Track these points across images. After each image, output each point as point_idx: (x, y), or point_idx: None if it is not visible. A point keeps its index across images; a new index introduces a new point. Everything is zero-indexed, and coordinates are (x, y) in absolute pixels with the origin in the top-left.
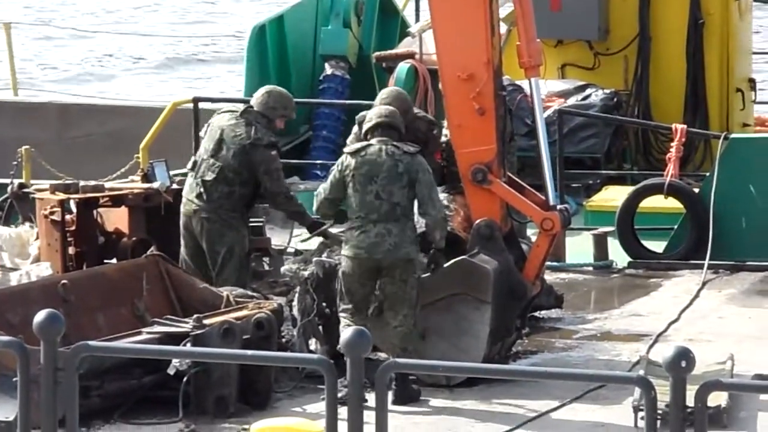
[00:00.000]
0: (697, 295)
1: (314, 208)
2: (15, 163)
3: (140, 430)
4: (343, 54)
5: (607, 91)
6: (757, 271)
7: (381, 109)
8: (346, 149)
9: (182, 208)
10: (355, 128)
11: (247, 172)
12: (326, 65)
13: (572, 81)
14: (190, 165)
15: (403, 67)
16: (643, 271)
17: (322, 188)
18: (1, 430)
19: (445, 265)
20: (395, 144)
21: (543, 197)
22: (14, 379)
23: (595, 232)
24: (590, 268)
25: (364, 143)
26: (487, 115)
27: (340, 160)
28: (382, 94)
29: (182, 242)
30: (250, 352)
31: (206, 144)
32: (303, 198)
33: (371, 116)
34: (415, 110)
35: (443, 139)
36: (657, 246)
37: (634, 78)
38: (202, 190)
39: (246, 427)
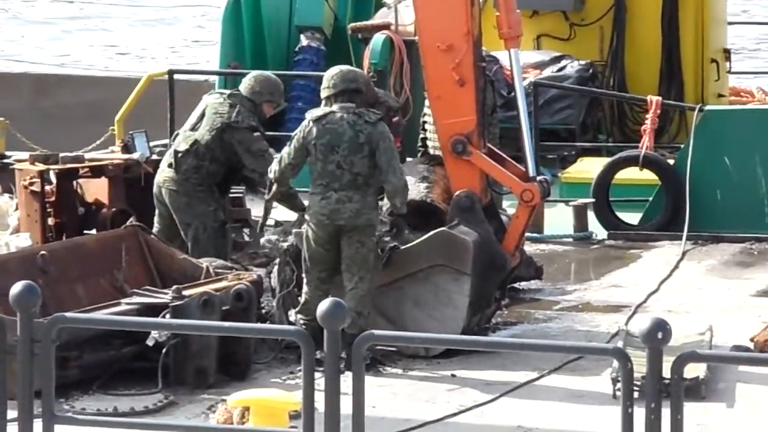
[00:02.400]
0: (676, 267)
1: (275, 171)
2: None
3: (119, 401)
4: (318, 25)
5: (583, 62)
6: (736, 242)
7: (344, 72)
8: (308, 114)
9: (156, 177)
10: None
11: (219, 149)
12: (301, 36)
13: (548, 52)
14: (173, 137)
15: (378, 38)
16: (622, 243)
17: (285, 153)
18: None
19: (425, 237)
20: (357, 112)
21: (522, 169)
22: None
23: (574, 203)
24: (570, 240)
25: (327, 110)
26: (466, 86)
27: (302, 126)
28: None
29: (156, 217)
30: (228, 324)
31: (190, 118)
32: None
33: (335, 81)
34: (380, 93)
35: (425, 110)
36: (632, 218)
37: (609, 49)
38: (172, 160)
39: (225, 398)
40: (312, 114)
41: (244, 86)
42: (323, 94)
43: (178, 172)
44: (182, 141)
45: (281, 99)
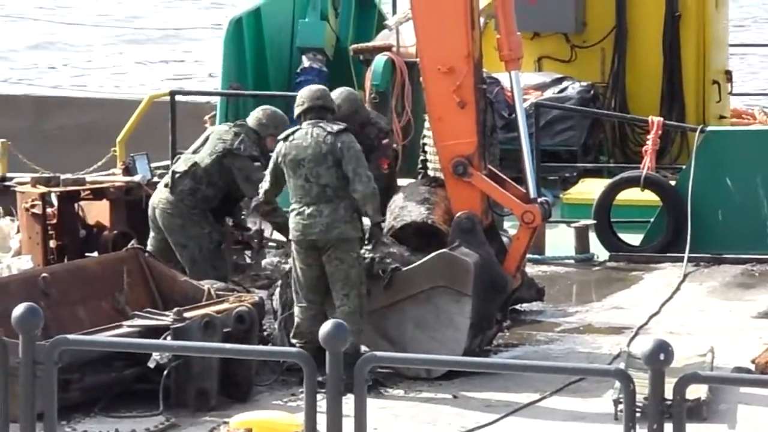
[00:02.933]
0: (678, 288)
1: (259, 198)
2: None
3: (121, 423)
4: (320, 46)
5: (584, 83)
6: (737, 263)
7: (312, 91)
8: (279, 136)
9: (152, 197)
10: None
11: (218, 175)
12: (303, 58)
13: (549, 74)
14: (174, 160)
15: (380, 59)
16: (624, 264)
17: (265, 177)
18: None
19: (426, 258)
20: (321, 125)
21: (524, 190)
22: None
23: (576, 224)
24: (571, 261)
25: (294, 128)
26: (467, 108)
27: (276, 148)
28: (333, 94)
29: (151, 233)
30: (229, 345)
31: (195, 143)
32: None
33: (303, 99)
34: (371, 115)
35: (425, 132)
36: (634, 239)
37: (610, 70)
38: (170, 180)
39: (227, 420)
40: (282, 134)
41: (252, 118)
42: (295, 113)
43: (174, 192)
44: (182, 162)
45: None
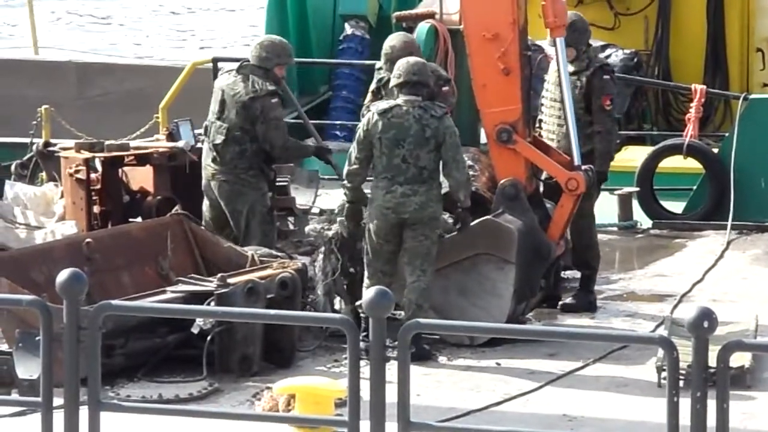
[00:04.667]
0: (721, 256)
1: (347, 168)
2: (35, 122)
3: (164, 388)
4: (363, 14)
5: (627, 51)
6: None
7: (410, 64)
8: (372, 107)
9: (203, 173)
10: (376, 74)
11: (253, 127)
12: (346, 25)
13: (593, 41)
14: (202, 130)
15: (423, 27)
16: (667, 232)
17: (351, 149)
18: (24, 388)
19: (470, 225)
20: (422, 105)
21: (567, 157)
22: (37, 338)
23: (619, 192)
24: (614, 229)
25: (392, 103)
26: (512, 75)
27: (366, 118)
28: (390, 40)
29: (204, 207)
30: (273, 311)
31: (212, 106)
32: None
33: (400, 72)
34: (430, 65)
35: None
36: (676, 207)
37: (654, 38)
38: (215, 153)
39: (270, 385)
40: (377, 107)
41: (252, 55)
42: (391, 83)
43: (224, 164)
44: (216, 133)
45: (290, 59)
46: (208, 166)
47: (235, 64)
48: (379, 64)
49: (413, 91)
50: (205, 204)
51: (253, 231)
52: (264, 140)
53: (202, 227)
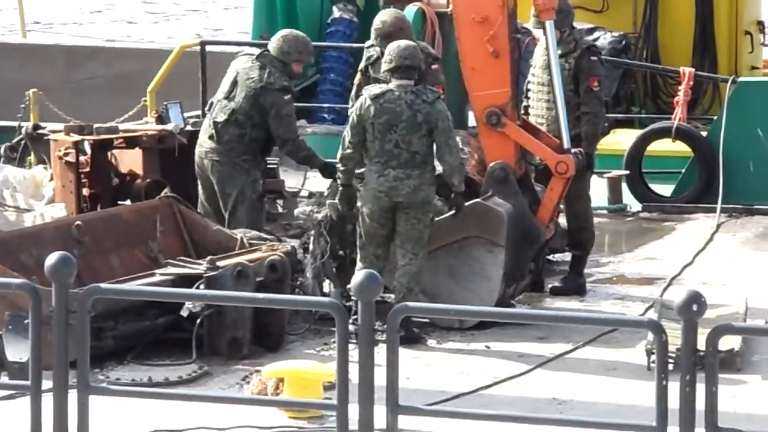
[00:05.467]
0: (711, 239)
1: (340, 152)
2: (23, 105)
3: (153, 371)
4: None
5: (616, 34)
6: None
7: (401, 48)
8: (365, 92)
9: (196, 150)
10: (363, 63)
11: (258, 115)
12: (334, 8)
13: (580, 24)
14: (207, 106)
15: (410, 9)
16: (657, 215)
17: (344, 134)
18: (14, 370)
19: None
20: (414, 90)
21: (557, 140)
22: (27, 321)
23: (609, 175)
24: (604, 212)
25: (384, 88)
26: (501, 57)
27: (359, 102)
28: (381, 15)
29: (199, 184)
30: (262, 295)
31: (222, 86)
32: (311, 141)
33: (392, 56)
34: (421, 44)
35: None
36: (665, 189)
37: (642, 21)
38: (213, 131)
39: (259, 369)
40: (369, 92)
41: (273, 46)
42: (382, 68)
43: (221, 143)
44: (219, 111)
45: (310, 57)
46: (203, 143)
47: (225, 47)
48: (367, 44)
49: (405, 75)
50: (199, 183)
51: (239, 216)
52: (276, 135)
53: (192, 210)
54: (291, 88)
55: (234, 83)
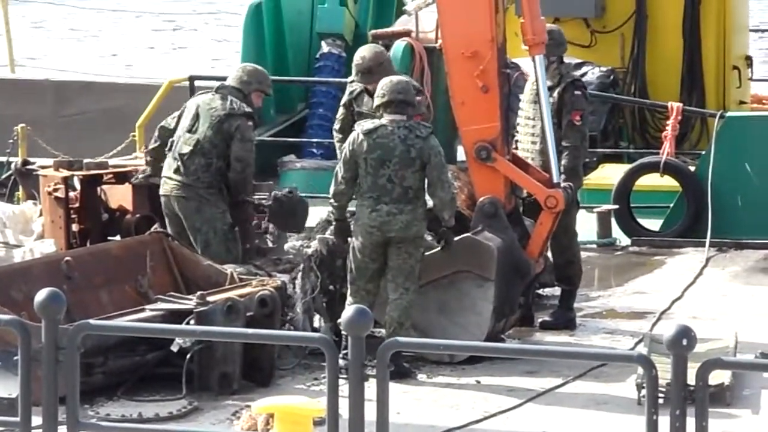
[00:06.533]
0: (700, 273)
1: (333, 188)
2: (11, 140)
3: (144, 407)
4: (339, 32)
5: (604, 68)
6: (760, 248)
7: (393, 83)
8: (357, 127)
9: (161, 189)
10: (345, 97)
11: (223, 143)
12: (323, 43)
13: (568, 59)
14: (168, 147)
15: (399, 45)
16: (646, 249)
17: (337, 169)
18: (3, 406)
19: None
20: (407, 125)
21: (546, 175)
22: (16, 357)
23: (599, 209)
24: (594, 246)
25: (377, 123)
26: (491, 92)
27: (351, 138)
28: (361, 51)
29: (167, 223)
30: (252, 330)
31: (183, 122)
32: (300, 176)
33: (384, 91)
34: (405, 78)
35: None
36: (653, 224)
37: (630, 56)
38: (179, 164)
39: (249, 404)
40: (362, 127)
41: (232, 77)
42: (375, 102)
43: (187, 174)
44: (183, 144)
45: (269, 88)
46: (169, 180)
47: (213, 82)
48: (349, 79)
49: (398, 110)
50: (167, 222)
51: (216, 249)
52: (236, 158)
53: (182, 245)
54: (253, 115)
55: (196, 116)
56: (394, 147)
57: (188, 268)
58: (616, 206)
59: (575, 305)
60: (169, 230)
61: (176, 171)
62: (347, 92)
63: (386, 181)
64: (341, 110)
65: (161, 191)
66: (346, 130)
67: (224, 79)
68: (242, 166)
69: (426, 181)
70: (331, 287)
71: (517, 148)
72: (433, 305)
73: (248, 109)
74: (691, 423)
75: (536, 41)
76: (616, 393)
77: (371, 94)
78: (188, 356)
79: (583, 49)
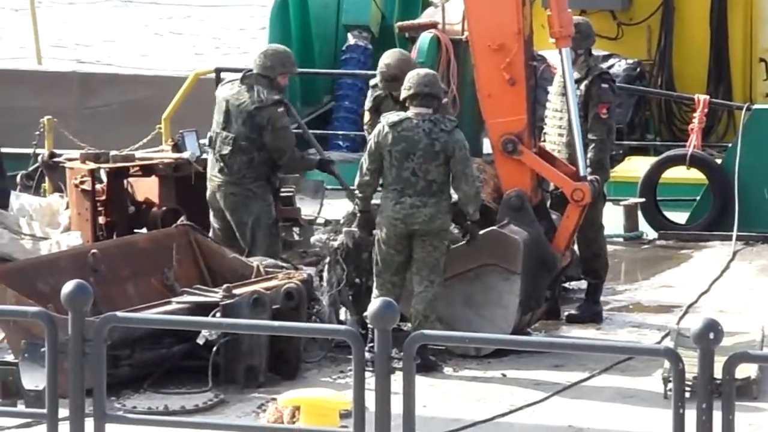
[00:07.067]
0: (727, 267)
1: (358, 179)
2: (37, 132)
3: (170, 399)
4: (365, 24)
5: (630, 61)
6: None
7: (420, 76)
8: (383, 119)
9: (208, 184)
10: (370, 92)
11: (259, 136)
12: (349, 35)
13: (595, 51)
14: (207, 141)
15: (425, 37)
16: (673, 242)
17: (363, 158)
18: (30, 398)
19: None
20: (432, 119)
21: (573, 168)
22: (43, 349)
23: (626, 203)
24: (620, 239)
25: (402, 116)
26: (517, 85)
27: (377, 129)
28: (385, 58)
29: (211, 219)
30: (278, 323)
31: (216, 117)
32: None
33: (410, 84)
34: (432, 72)
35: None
36: (679, 217)
37: (657, 48)
38: (222, 164)
39: (275, 397)
40: (388, 119)
41: (256, 64)
42: (402, 94)
43: (232, 174)
44: (222, 144)
45: (294, 68)
46: (214, 177)
47: (238, 75)
48: (373, 81)
49: (424, 103)
50: (212, 215)
51: (258, 242)
52: (273, 149)
53: (208, 238)
54: (282, 100)
55: (227, 112)
56: (419, 140)
57: (214, 260)
58: (643, 199)
59: (602, 299)
60: (215, 227)
61: (221, 171)
62: (371, 96)
63: (410, 174)
64: (368, 115)
65: (208, 187)
66: None
67: (251, 71)
68: (280, 155)
69: (450, 174)
70: (357, 280)
71: (544, 141)
72: (459, 298)
73: (277, 97)
74: (717, 417)
75: (563, 34)
76: (643, 387)
77: (396, 100)
78: (214, 349)
79: (609, 41)
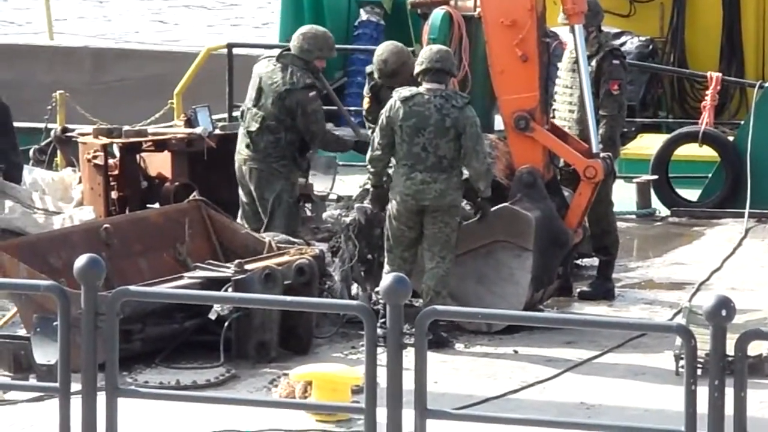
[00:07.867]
0: (739, 244)
1: (369, 154)
2: (49, 107)
3: (181, 374)
4: (378, 0)
5: (643, 38)
6: None
7: (433, 51)
8: (395, 93)
9: (236, 157)
10: (368, 80)
11: (289, 118)
12: (361, 11)
13: (607, 28)
14: (239, 113)
15: (437, 13)
16: (685, 220)
17: (375, 133)
18: (42, 372)
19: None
20: (444, 95)
21: (586, 145)
22: (55, 323)
23: (638, 180)
24: (633, 217)
25: (414, 91)
26: (530, 61)
27: (388, 105)
28: (381, 54)
29: (240, 194)
30: (290, 298)
31: (249, 92)
32: None
33: (423, 59)
34: (444, 47)
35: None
36: (691, 194)
37: (669, 25)
38: (249, 140)
39: (287, 372)
40: (399, 94)
41: (294, 45)
42: (415, 70)
43: (257, 151)
44: (251, 120)
45: (332, 52)
46: (241, 151)
47: (251, 50)
48: (369, 68)
49: (435, 78)
50: (240, 190)
51: (276, 220)
52: (305, 132)
53: (220, 213)
54: (315, 84)
55: (259, 89)
56: (429, 116)
57: (226, 236)
58: (655, 176)
59: (614, 276)
60: (242, 198)
61: (247, 146)
62: (368, 84)
63: (420, 149)
64: (367, 100)
65: (236, 160)
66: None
67: (264, 47)
68: (312, 137)
69: (461, 151)
70: (369, 256)
71: (554, 117)
72: (470, 275)
73: (309, 81)
74: (729, 394)
75: (576, 10)
76: (655, 364)
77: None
78: (226, 324)
79: (622, 18)
